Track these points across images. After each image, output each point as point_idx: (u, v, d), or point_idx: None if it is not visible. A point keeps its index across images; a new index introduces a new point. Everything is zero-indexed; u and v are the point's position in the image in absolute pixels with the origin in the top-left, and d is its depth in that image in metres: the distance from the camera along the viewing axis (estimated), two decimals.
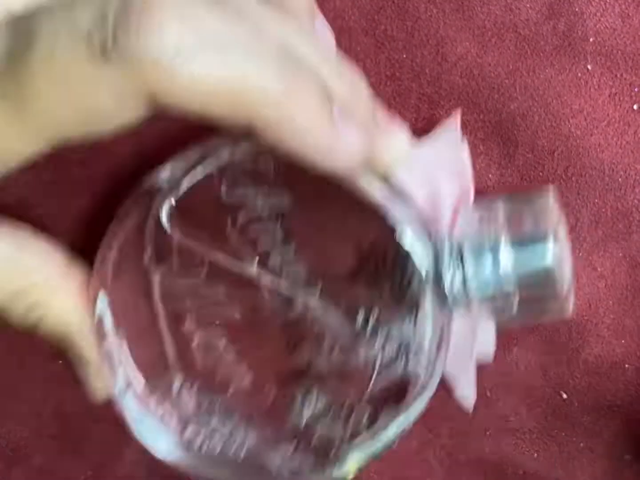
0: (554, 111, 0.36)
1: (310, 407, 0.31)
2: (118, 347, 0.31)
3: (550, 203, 0.31)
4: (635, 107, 0.36)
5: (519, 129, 0.36)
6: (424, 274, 0.31)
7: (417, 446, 0.39)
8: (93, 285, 0.31)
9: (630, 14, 0.35)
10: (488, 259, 0.31)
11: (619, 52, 0.36)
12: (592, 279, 0.37)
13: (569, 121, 0.36)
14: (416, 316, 0.31)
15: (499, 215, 0.31)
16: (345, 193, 0.30)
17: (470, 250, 0.31)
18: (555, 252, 0.31)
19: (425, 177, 0.33)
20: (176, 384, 0.31)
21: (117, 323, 0.31)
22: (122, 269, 0.31)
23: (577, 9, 0.35)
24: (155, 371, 0.32)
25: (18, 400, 0.38)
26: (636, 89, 0.36)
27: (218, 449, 0.32)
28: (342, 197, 0.31)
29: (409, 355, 0.31)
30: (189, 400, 0.31)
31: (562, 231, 0.31)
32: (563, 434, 0.38)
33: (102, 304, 0.31)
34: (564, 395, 0.38)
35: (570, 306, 0.32)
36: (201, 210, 0.31)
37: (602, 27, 0.35)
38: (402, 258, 0.31)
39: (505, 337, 0.38)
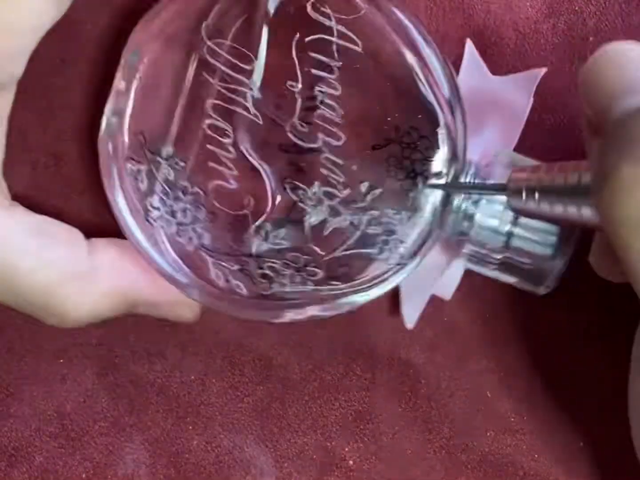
0: (554, 111, 0.36)
1: (270, 241, 0.32)
2: (125, 101, 0.32)
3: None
4: None
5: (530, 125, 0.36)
6: (440, 185, 0.32)
7: (417, 445, 0.38)
8: (133, 37, 0.32)
9: (630, 13, 0.35)
10: (498, 212, 0.31)
11: None
12: None
13: (568, 121, 0.36)
14: (412, 216, 0.32)
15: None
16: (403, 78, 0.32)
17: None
18: (559, 247, 0.31)
19: (481, 104, 0.34)
20: (164, 154, 0.32)
21: (140, 81, 0.32)
22: (168, 37, 0.32)
23: (577, 8, 0.35)
24: (151, 136, 0.32)
25: (18, 400, 0.38)
26: None
27: (170, 231, 0.32)
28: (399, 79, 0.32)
29: (389, 244, 0.32)
30: (167, 173, 0.32)
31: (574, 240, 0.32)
32: (563, 434, 0.38)
33: (134, 57, 0.32)
34: (563, 395, 0.38)
35: (544, 291, 0.33)
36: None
37: (602, 26, 0.35)
38: (428, 158, 0.32)
39: (505, 337, 0.38)
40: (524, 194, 0.27)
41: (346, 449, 0.38)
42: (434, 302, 0.38)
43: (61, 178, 0.36)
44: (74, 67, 0.35)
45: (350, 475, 0.38)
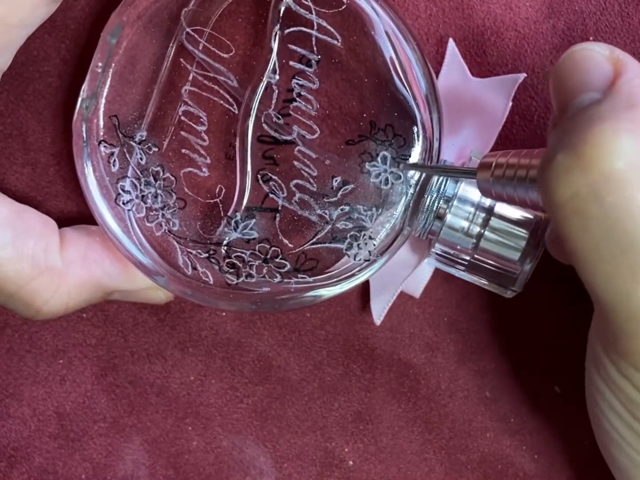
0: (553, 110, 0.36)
1: (239, 231, 0.32)
2: (102, 83, 0.32)
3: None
4: None
5: (519, 128, 0.36)
6: (412, 183, 0.32)
7: (417, 446, 0.38)
8: (112, 20, 0.32)
9: (629, 13, 0.35)
10: (469, 214, 0.32)
11: None
12: None
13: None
14: (383, 213, 0.32)
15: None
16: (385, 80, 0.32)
17: (459, 193, 0.32)
18: (529, 243, 0.32)
19: (459, 105, 0.34)
20: (137, 138, 0.32)
21: (117, 64, 0.32)
22: (148, 21, 0.32)
23: (576, 8, 0.35)
24: (125, 120, 0.32)
25: (18, 401, 0.38)
26: None
27: (139, 216, 0.33)
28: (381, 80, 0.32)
29: (358, 239, 0.32)
30: (139, 158, 0.32)
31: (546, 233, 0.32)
32: (563, 434, 0.38)
33: (113, 40, 0.32)
34: (563, 395, 0.38)
35: (511, 294, 0.33)
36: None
37: (601, 26, 0.35)
38: (403, 156, 0.32)
39: (505, 337, 0.38)
40: (491, 178, 0.28)
41: (346, 450, 0.38)
42: (434, 302, 0.38)
43: (61, 178, 0.36)
44: (74, 68, 0.35)
45: (350, 476, 0.38)
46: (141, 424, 0.38)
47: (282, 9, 0.31)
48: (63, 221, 0.36)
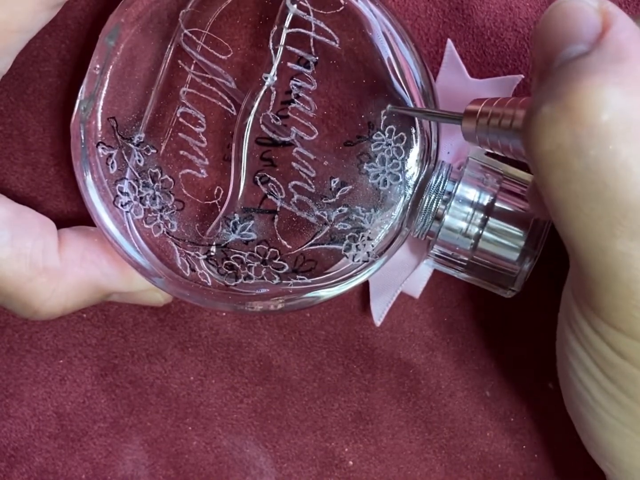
0: None
1: (237, 232, 0.32)
2: (100, 85, 0.32)
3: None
4: None
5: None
6: (411, 184, 0.32)
7: (417, 446, 0.38)
8: (112, 17, 0.32)
9: (629, 13, 0.35)
10: (467, 214, 0.32)
11: None
12: None
13: None
14: (382, 214, 0.33)
15: (498, 180, 0.33)
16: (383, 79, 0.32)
17: (457, 194, 0.32)
18: (528, 243, 0.32)
19: (457, 106, 0.34)
20: (135, 140, 0.32)
21: (115, 66, 0.32)
22: (146, 23, 0.32)
23: None
24: (124, 121, 0.32)
25: (18, 401, 0.38)
26: None
27: (138, 218, 0.33)
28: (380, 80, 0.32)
29: (357, 241, 0.32)
30: (137, 159, 0.32)
31: (544, 233, 0.32)
32: (563, 434, 0.38)
33: (111, 41, 0.32)
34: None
35: (510, 294, 0.33)
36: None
37: None
38: (401, 157, 0.32)
39: (505, 337, 0.38)
40: (476, 124, 0.28)
41: (346, 450, 0.38)
42: (434, 302, 0.38)
43: (61, 178, 0.36)
44: (74, 68, 0.35)
45: (350, 476, 0.38)
46: (141, 424, 0.38)
47: (291, 12, 0.31)
48: (63, 221, 0.36)
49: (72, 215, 0.37)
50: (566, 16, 0.25)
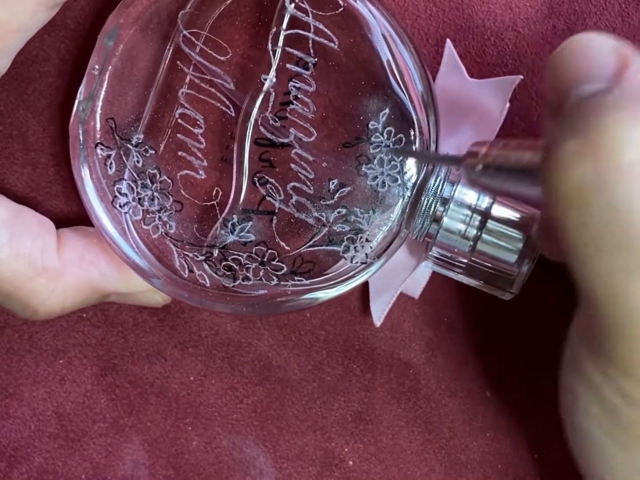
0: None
1: (236, 233, 0.32)
2: (99, 86, 0.32)
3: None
4: None
5: (519, 128, 0.36)
6: (409, 186, 0.32)
7: (417, 446, 0.38)
8: (111, 17, 0.32)
9: (629, 13, 0.35)
10: (466, 216, 0.32)
11: None
12: None
13: None
14: (380, 216, 0.33)
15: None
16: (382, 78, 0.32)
17: (455, 195, 0.32)
18: (526, 245, 0.32)
19: (457, 107, 0.34)
20: (134, 141, 0.32)
21: (114, 66, 0.32)
22: (145, 23, 0.32)
23: (577, 8, 0.35)
24: (122, 122, 0.32)
25: (18, 401, 0.38)
26: None
27: (136, 219, 0.33)
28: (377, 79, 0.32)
29: (355, 242, 0.32)
30: (136, 160, 0.32)
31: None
32: (563, 434, 0.38)
33: (110, 42, 0.32)
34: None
35: (509, 296, 0.33)
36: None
37: (601, 26, 0.35)
38: (401, 158, 0.32)
39: (505, 337, 0.38)
40: (479, 167, 0.27)
41: (346, 450, 0.38)
42: (434, 302, 0.38)
43: (61, 178, 0.36)
44: (74, 68, 0.35)
45: (350, 476, 0.38)
46: (141, 424, 0.38)
47: (288, 13, 0.31)
48: (63, 221, 0.36)
49: (72, 215, 0.37)
50: (582, 53, 0.25)
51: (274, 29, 0.32)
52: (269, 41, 0.32)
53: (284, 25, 0.31)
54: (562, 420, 0.30)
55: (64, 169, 0.36)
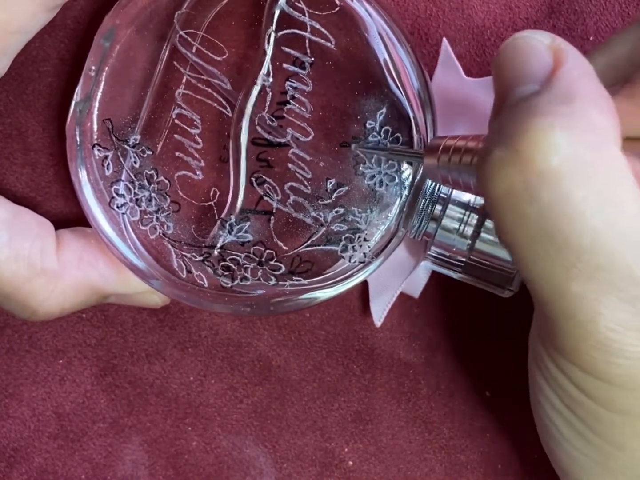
0: None
1: (234, 233, 0.32)
2: (96, 86, 0.32)
3: None
4: None
5: None
6: (407, 185, 0.32)
7: (417, 446, 0.38)
8: (107, 18, 0.32)
9: (630, 13, 0.35)
10: (464, 215, 0.32)
11: None
12: None
13: None
14: (378, 215, 0.33)
15: None
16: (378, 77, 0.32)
17: (453, 194, 0.32)
18: None
19: (454, 106, 0.34)
20: (131, 142, 0.32)
21: (111, 67, 0.32)
22: (141, 24, 0.32)
23: (577, 8, 0.35)
24: (119, 123, 0.32)
25: (17, 401, 0.38)
26: None
27: (134, 220, 0.33)
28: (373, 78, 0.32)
29: (353, 242, 0.32)
30: (133, 161, 0.32)
31: None
32: None
33: (107, 43, 0.32)
34: None
35: (508, 294, 0.33)
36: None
37: (602, 26, 0.35)
38: (398, 157, 0.32)
39: (505, 337, 0.38)
40: (438, 161, 0.27)
41: (346, 450, 0.38)
42: (434, 302, 0.38)
43: (60, 178, 0.36)
44: (73, 68, 0.35)
45: (350, 476, 0.38)
46: (141, 424, 0.38)
47: (277, 12, 0.31)
48: (62, 222, 0.36)
49: (72, 216, 0.37)
50: (518, 53, 0.24)
51: (271, 29, 0.32)
52: (265, 41, 0.32)
53: (274, 26, 0.31)
54: (534, 418, 0.31)
55: (63, 169, 0.36)
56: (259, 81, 0.32)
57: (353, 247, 0.32)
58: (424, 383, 0.38)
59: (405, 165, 0.32)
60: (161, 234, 0.32)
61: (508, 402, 0.38)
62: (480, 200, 0.32)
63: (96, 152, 0.32)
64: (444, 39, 0.35)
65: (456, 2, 0.35)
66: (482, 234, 0.32)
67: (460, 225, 0.32)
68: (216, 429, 0.38)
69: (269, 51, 0.32)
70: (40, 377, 0.38)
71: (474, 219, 0.32)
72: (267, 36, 0.31)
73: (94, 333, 0.38)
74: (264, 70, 0.32)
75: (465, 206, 0.32)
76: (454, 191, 0.32)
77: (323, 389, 0.38)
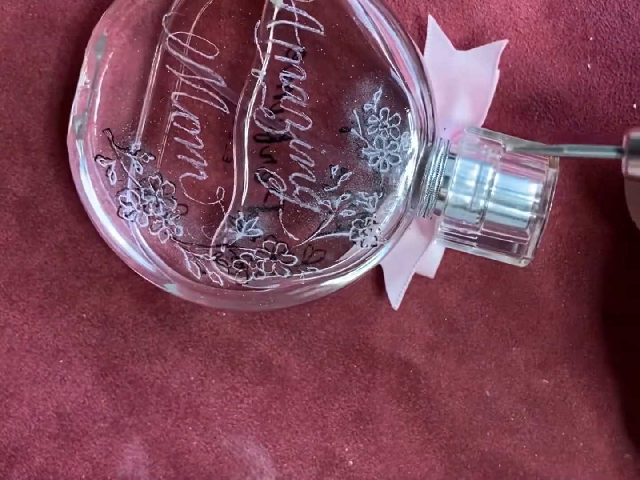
0: (553, 110, 0.36)
1: (244, 230, 0.32)
2: (92, 98, 0.32)
3: (548, 168, 0.32)
4: (634, 106, 0.36)
5: (518, 128, 0.36)
6: (412, 165, 0.32)
7: (417, 446, 0.38)
8: (97, 28, 0.32)
9: (629, 13, 0.35)
10: (470, 186, 0.32)
11: (619, 51, 0.35)
12: None
13: (567, 120, 0.36)
14: (385, 197, 0.32)
15: (498, 151, 0.32)
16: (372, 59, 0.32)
17: (458, 169, 0.32)
18: (535, 210, 0.31)
19: (448, 80, 0.34)
20: (132, 149, 0.32)
21: (106, 77, 0.32)
22: (132, 31, 0.32)
23: (577, 8, 0.35)
24: (119, 132, 0.32)
25: (18, 401, 0.38)
26: (635, 88, 0.36)
27: (143, 226, 0.33)
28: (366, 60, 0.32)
29: (363, 226, 0.32)
30: (137, 168, 0.32)
31: (549, 198, 0.32)
32: (563, 433, 0.38)
33: (99, 54, 0.32)
34: (565, 395, 0.38)
35: (525, 262, 0.33)
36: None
37: (601, 26, 0.35)
38: (398, 138, 0.32)
39: (505, 336, 0.38)
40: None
41: (346, 449, 0.38)
42: (434, 302, 0.38)
43: (61, 178, 0.36)
44: (73, 68, 0.35)
45: (350, 476, 0.38)
46: (141, 424, 0.38)
47: (277, 9, 0.31)
48: (63, 222, 0.36)
49: (72, 216, 0.37)
50: None
51: (259, 22, 0.32)
52: (255, 35, 0.32)
53: (263, 18, 0.31)
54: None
55: (64, 169, 0.36)
56: (256, 77, 0.32)
57: (363, 231, 0.32)
58: (424, 383, 0.38)
59: (407, 145, 0.32)
60: (172, 238, 0.32)
61: (508, 402, 0.38)
62: (486, 173, 0.32)
63: (99, 163, 0.32)
64: (430, 16, 0.35)
65: (456, 2, 0.35)
66: (491, 206, 0.32)
67: (468, 200, 0.32)
68: (217, 428, 0.38)
69: (267, 43, 0.32)
70: (41, 377, 0.38)
71: (481, 191, 0.32)
72: (257, 29, 0.31)
73: (94, 333, 0.38)
74: (257, 64, 0.32)
75: (472, 180, 0.32)
76: (459, 166, 0.32)
77: (323, 388, 0.38)
